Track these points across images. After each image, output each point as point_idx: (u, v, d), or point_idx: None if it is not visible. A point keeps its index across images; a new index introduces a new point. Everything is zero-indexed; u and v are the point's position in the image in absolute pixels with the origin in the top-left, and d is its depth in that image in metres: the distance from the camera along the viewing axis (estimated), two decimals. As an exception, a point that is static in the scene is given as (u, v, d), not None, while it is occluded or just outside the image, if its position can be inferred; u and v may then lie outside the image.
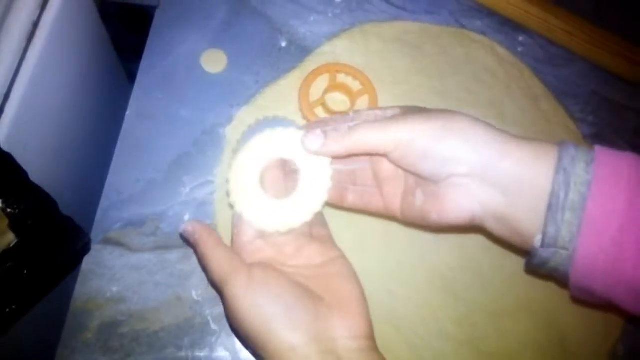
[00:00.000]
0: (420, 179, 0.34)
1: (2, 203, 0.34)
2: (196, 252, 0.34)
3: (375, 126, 0.33)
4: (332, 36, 0.52)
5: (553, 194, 0.29)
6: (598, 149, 0.30)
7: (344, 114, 0.39)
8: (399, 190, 0.37)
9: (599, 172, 0.29)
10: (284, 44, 0.52)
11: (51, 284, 0.27)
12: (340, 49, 0.52)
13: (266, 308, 0.30)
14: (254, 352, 0.32)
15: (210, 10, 0.54)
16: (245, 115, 0.49)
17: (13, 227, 0.33)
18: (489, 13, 0.55)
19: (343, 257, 0.36)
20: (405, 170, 0.35)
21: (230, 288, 0.31)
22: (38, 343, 0.42)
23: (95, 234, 0.44)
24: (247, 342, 0.31)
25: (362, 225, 0.45)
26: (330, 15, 0.54)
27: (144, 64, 0.51)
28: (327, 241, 0.36)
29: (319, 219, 0.37)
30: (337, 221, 0.45)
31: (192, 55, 0.51)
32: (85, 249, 0.36)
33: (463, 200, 0.32)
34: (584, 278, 0.29)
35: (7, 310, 0.31)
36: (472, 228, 0.34)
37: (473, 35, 0.53)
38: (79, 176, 0.52)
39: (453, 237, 0.45)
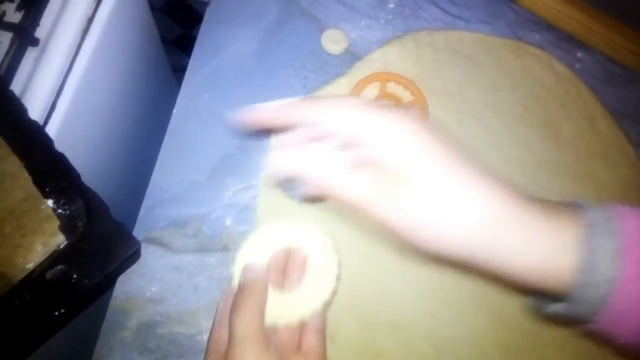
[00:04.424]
0: None
1: (53, 204, 0.34)
2: (241, 292, 0.33)
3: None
4: (383, 42, 0.51)
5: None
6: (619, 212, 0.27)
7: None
8: None
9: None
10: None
11: (100, 288, 0.27)
12: (391, 56, 0.50)
13: None
14: None
15: (260, 11, 0.53)
16: (291, 120, 0.48)
17: (63, 229, 0.33)
18: (548, 26, 0.53)
19: None
20: None
21: (248, 348, 0.30)
22: (77, 340, 0.42)
23: (137, 232, 0.44)
24: None
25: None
26: (382, 20, 0.52)
27: (192, 63, 0.50)
28: (314, 356, 0.34)
29: (316, 326, 0.35)
30: (380, 244, 0.44)
31: (240, 56, 0.51)
32: (135, 255, 0.36)
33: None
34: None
35: (56, 313, 0.31)
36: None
37: (530, 49, 0.51)
38: (123, 173, 0.52)
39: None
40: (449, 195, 0.27)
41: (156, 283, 0.43)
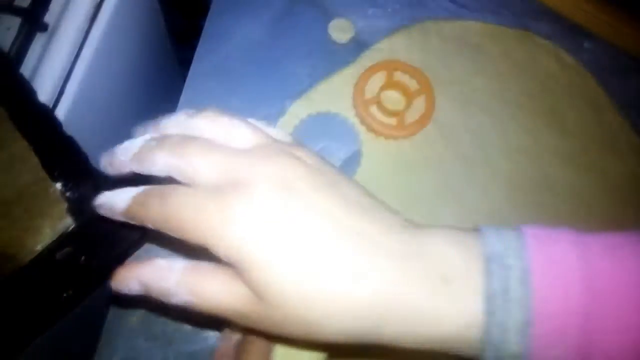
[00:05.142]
0: None
1: (62, 186, 0.34)
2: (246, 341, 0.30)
3: None
4: (390, 32, 0.51)
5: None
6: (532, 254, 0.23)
7: None
8: None
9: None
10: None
11: (108, 270, 0.27)
12: (398, 46, 0.50)
13: None
14: None
15: (267, 0, 0.53)
16: (297, 109, 0.48)
17: (71, 211, 0.33)
18: (555, 16, 0.52)
19: None
20: None
21: None
22: (83, 325, 0.42)
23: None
24: None
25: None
26: (389, 10, 0.52)
27: (199, 51, 0.50)
28: None
29: None
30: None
31: (247, 44, 0.51)
32: (143, 239, 0.36)
33: None
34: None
35: (65, 295, 0.31)
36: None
37: (537, 39, 0.51)
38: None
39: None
40: (322, 259, 0.23)
41: (162, 269, 0.43)
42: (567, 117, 0.48)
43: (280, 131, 0.29)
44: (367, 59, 0.49)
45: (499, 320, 0.22)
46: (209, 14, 0.52)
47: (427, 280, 0.23)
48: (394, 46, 0.50)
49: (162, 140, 0.26)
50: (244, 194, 0.24)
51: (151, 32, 0.55)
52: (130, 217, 0.27)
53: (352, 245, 0.24)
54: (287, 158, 0.25)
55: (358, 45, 0.51)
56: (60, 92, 0.40)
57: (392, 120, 0.47)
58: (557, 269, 0.23)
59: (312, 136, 0.48)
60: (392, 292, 0.23)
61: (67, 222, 0.33)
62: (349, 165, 0.47)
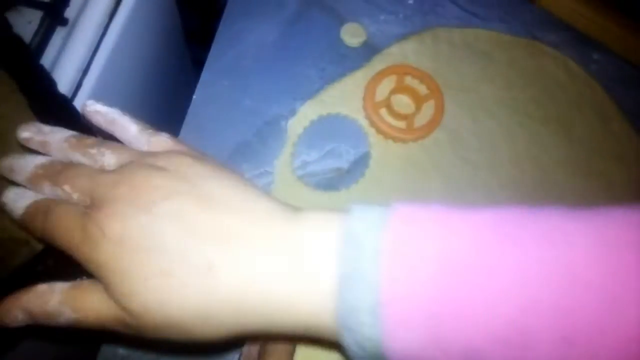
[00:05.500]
0: None
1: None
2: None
3: None
4: (401, 37, 0.52)
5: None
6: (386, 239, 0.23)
7: None
8: None
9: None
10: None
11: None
12: (409, 51, 0.51)
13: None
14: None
15: (281, 2, 0.54)
16: (308, 110, 0.49)
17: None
18: (564, 27, 0.53)
19: None
20: None
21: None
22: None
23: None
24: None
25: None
26: (401, 16, 0.53)
27: (213, 51, 0.51)
28: None
29: None
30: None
31: (260, 46, 0.52)
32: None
33: None
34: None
35: (78, 280, 0.31)
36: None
37: (546, 49, 0.52)
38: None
39: None
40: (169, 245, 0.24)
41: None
42: (575, 125, 0.49)
43: (162, 137, 0.31)
44: (378, 63, 0.50)
45: (350, 302, 0.22)
46: (224, 15, 0.53)
47: (284, 268, 0.23)
48: (405, 51, 0.51)
49: (46, 169, 0.29)
50: (104, 217, 0.25)
51: (167, 31, 0.56)
52: (24, 227, 0.29)
53: (202, 243, 0.24)
54: (146, 173, 0.26)
55: (369, 50, 0.52)
56: (78, 85, 0.41)
57: (401, 124, 0.48)
58: (409, 249, 0.22)
59: (322, 137, 0.48)
60: (246, 283, 0.23)
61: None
62: (357, 167, 0.47)
